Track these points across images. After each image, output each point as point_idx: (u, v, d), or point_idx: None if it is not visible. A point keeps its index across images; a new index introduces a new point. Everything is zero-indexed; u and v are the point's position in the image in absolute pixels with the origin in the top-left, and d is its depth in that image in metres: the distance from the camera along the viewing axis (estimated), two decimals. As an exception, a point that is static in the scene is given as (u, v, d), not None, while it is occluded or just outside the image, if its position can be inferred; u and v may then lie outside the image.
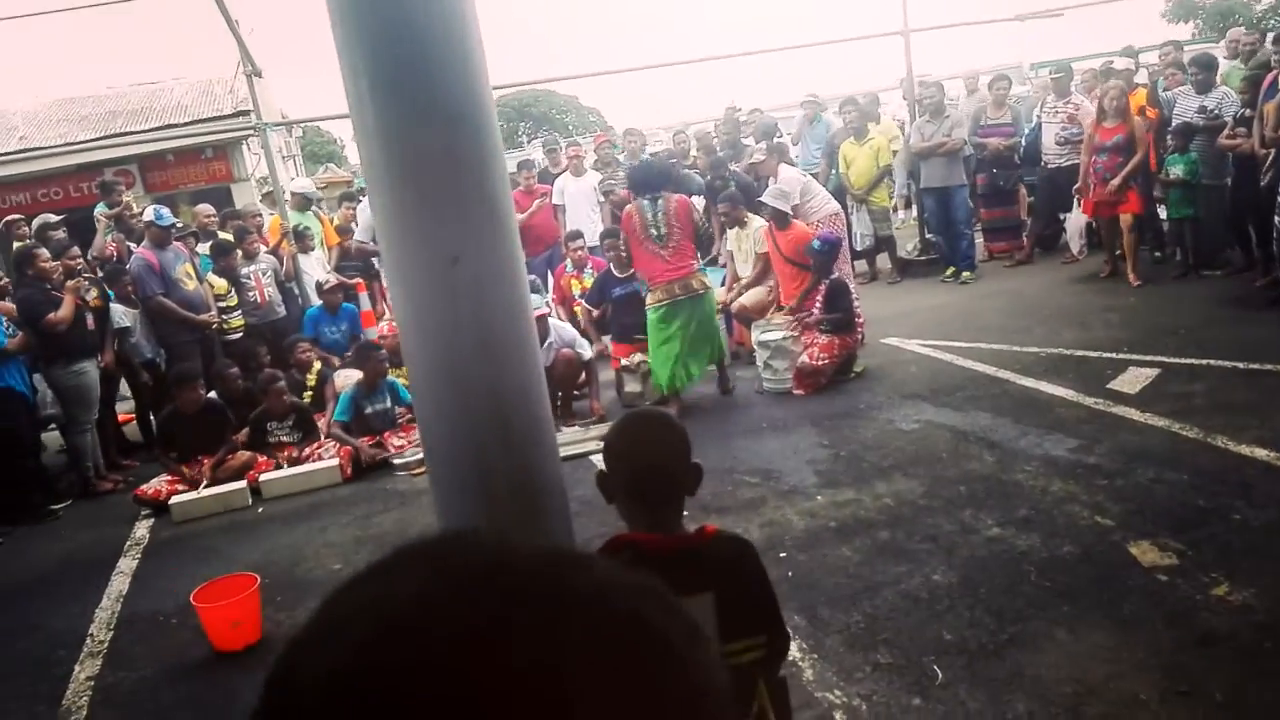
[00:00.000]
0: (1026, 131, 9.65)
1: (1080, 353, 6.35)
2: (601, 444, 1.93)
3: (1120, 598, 3.41)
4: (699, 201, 7.79)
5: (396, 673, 0.40)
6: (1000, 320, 7.54)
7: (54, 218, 7.64)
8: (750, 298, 7.44)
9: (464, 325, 1.91)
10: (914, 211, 11.72)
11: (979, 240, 9.99)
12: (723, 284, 7.98)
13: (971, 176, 9.72)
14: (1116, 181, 7.83)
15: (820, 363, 6.44)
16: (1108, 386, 5.61)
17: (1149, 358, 5.98)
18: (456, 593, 0.44)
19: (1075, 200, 8.56)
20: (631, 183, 6.95)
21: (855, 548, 4.10)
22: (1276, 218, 6.64)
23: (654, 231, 6.20)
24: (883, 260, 10.19)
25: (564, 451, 5.72)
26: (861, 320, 6.88)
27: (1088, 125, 8.36)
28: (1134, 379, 5.67)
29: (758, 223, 7.42)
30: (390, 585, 0.46)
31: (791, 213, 7.19)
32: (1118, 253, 8.31)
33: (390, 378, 6.78)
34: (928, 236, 10.05)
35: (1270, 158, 6.73)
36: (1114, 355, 6.14)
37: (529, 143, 29.50)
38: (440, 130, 1.84)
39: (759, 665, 1.80)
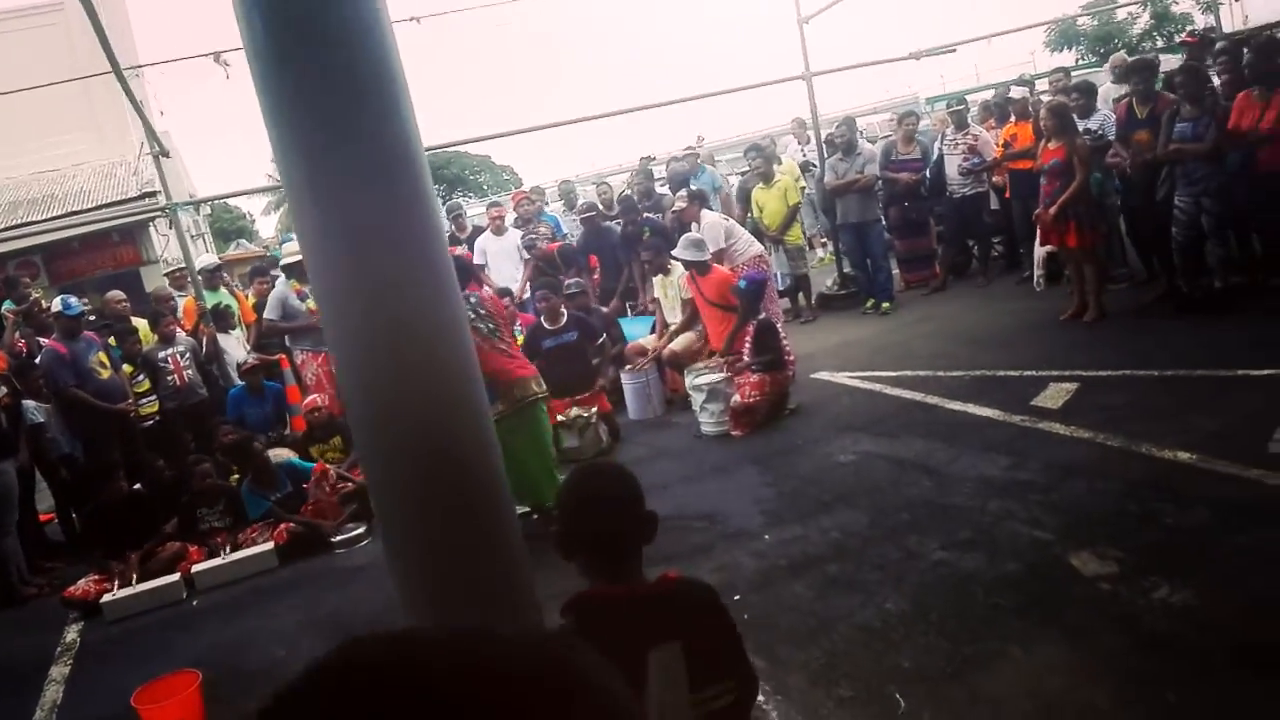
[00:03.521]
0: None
1: (1002, 373, 6.54)
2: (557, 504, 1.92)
3: (1067, 609, 3.49)
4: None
5: None
6: (923, 347, 7.73)
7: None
8: (680, 343, 7.52)
9: (411, 384, 1.89)
10: (829, 249, 12.05)
11: (895, 272, 10.26)
12: (651, 331, 8.07)
13: (884, 210, 10.02)
14: (1053, 210, 7.26)
15: (752, 400, 6.51)
16: (1031, 403, 5.77)
17: (1067, 372, 6.18)
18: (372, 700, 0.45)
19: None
20: None
21: (807, 584, 4.13)
22: (1174, 229, 6.98)
23: (484, 327, 5.11)
24: (803, 298, 10.38)
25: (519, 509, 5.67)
26: (792, 358, 6.98)
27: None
28: (1055, 394, 5.85)
29: (680, 269, 7.52)
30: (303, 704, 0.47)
31: (709, 259, 7.30)
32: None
33: (285, 458, 6.67)
34: (845, 271, 10.28)
35: (1164, 174, 7.09)
36: (1034, 373, 6.34)
37: (445, 203, 29.50)
38: (374, 188, 1.83)
39: (730, 711, 1.79)
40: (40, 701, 4.77)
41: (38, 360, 6.95)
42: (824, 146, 10.04)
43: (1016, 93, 10.09)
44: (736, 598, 4.10)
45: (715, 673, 1.76)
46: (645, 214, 9.18)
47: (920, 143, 10.09)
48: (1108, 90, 9.17)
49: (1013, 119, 9.30)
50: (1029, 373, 6.38)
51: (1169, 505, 4.10)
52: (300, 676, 0.48)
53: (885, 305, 9.40)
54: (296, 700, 0.46)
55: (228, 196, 25.26)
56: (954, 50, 11.34)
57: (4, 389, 6.58)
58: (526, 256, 9.26)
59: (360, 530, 6.05)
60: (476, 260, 9.25)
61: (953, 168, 9.52)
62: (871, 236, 9.50)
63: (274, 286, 8.35)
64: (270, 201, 47.93)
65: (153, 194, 14.96)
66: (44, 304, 7.58)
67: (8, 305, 7.85)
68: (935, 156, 9.78)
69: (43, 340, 7.27)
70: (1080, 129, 7.74)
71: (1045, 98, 9.43)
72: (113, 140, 16.70)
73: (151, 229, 15.62)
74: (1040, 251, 7.95)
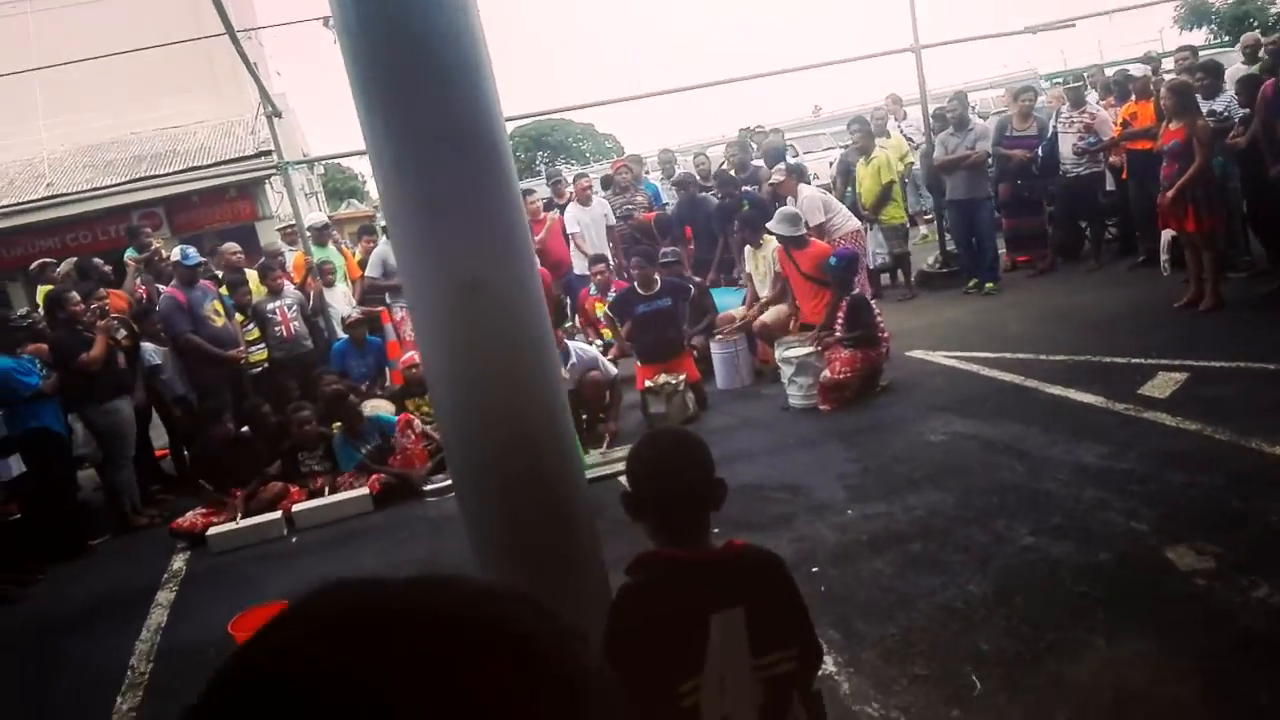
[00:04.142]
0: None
1: (1108, 359, 6.30)
2: (625, 464, 1.94)
3: (1158, 603, 3.38)
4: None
5: None
6: (1025, 330, 7.51)
7: (92, 259, 7.82)
8: (771, 315, 7.47)
9: (486, 350, 1.92)
10: (933, 226, 11.78)
11: (1001, 251, 9.94)
12: (743, 303, 8.03)
13: (994, 187, 9.72)
14: (1171, 193, 6.94)
15: (843, 376, 6.44)
16: (1137, 392, 5.56)
17: (1178, 361, 5.93)
18: (325, 643, 0.47)
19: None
20: None
21: (888, 560, 4.08)
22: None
23: None
24: (902, 276, 10.17)
25: (590, 474, 5.79)
26: (886, 334, 6.86)
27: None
28: (1164, 383, 5.63)
29: (774, 242, 7.46)
30: (261, 647, 0.49)
31: (807, 233, 7.22)
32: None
33: (376, 413, 6.88)
34: (949, 249, 10.02)
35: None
36: (1142, 361, 6.10)
37: (546, 170, 29.84)
38: (453, 158, 1.87)
39: (793, 678, 1.80)
40: (146, 623, 5.09)
41: (157, 306, 7.32)
42: (931, 121, 9.77)
43: (1136, 71, 9.62)
44: (815, 569, 4.09)
45: (778, 640, 1.77)
46: (743, 187, 9.11)
47: (1038, 119, 9.73)
48: (1235, 71, 8.68)
49: (1132, 98, 8.89)
50: (1136, 360, 6.14)
51: (1275, 503, 3.92)
52: (272, 620, 0.50)
53: (990, 285, 9.13)
54: (263, 641, 0.49)
55: (337, 157, 25.70)
56: (1072, 25, 10.90)
57: (124, 331, 6.95)
58: (612, 223, 9.31)
59: (449, 480, 6.22)
60: (571, 229, 9.32)
61: (1067, 146, 9.17)
62: (980, 214, 9.22)
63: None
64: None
65: (268, 153, 15.50)
66: (164, 253, 7.96)
67: (130, 253, 8.27)
68: (1050, 134, 9.42)
69: (161, 288, 7.65)
70: (1205, 110, 7.37)
71: (1169, 77, 8.99)
72: (232, 99, 17.30)
73: (267, 186, 16.21)
74: (1166, 235, 7.62)
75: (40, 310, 7.04)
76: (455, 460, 2.13)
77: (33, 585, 6.00)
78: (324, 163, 26.19)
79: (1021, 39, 10.72)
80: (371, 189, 36.96)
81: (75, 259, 7.99)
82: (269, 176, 16.03)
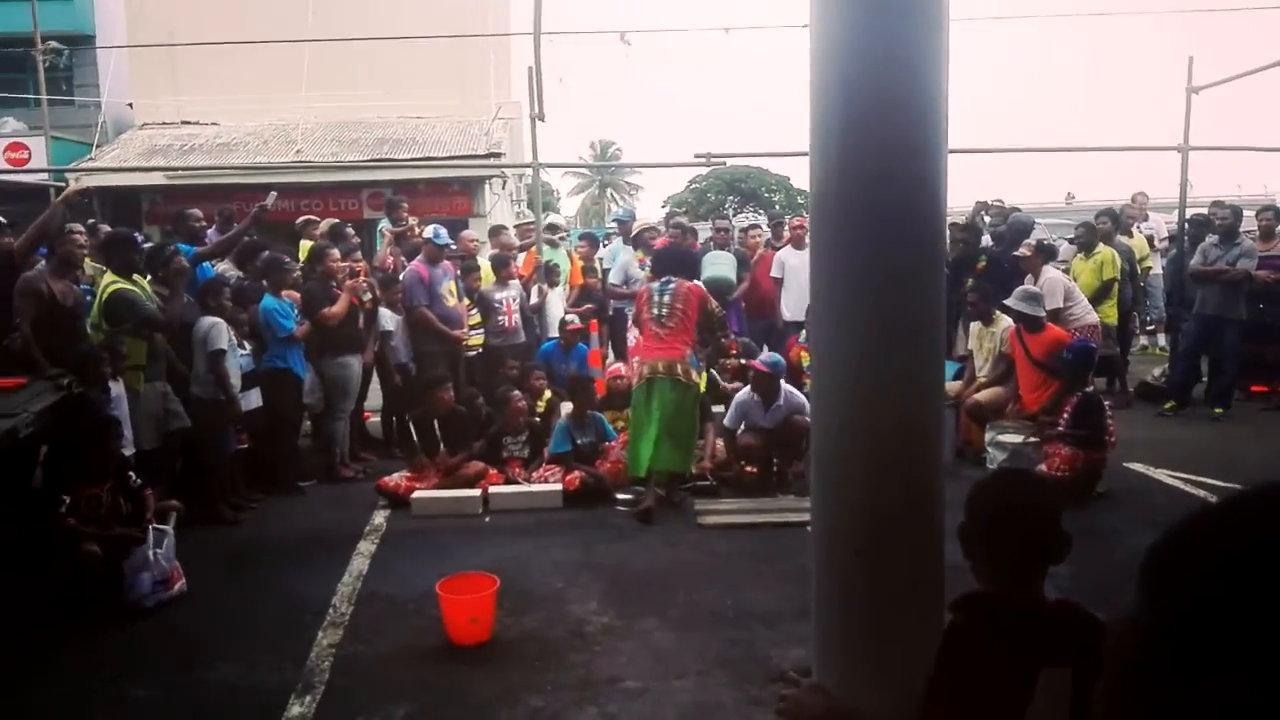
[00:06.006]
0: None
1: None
2: (968, 497, 1.92)
3: None
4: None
5: None
6: (1262, 463, 6.95)
7: (346, 225, 8.38)
8: (987, 395, 7.24)
9: (887, 352, 2.03)
10: (1156, 339, 11.18)
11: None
12: (955, 378, 7.81)
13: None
14: None
15: (1060, 473, 6.15)
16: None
17: None
18: None
19: None
20: (655, 262, 6.99)
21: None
22: None
23: (656, 311, 6.26)
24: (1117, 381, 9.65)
25: (780, 519, 5.84)
26: (1113, 439, 6.51)
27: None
28: None
29: (1005, 322, 7.24)
30: None
31: (1044, 316, 6.98)
32: None
33: (595, 413, 7.01)
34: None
35: None
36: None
37: (734, 216, 30.18)
38: (895, 185, 2.00)
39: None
40: (349, 568, 5.39)
41: (400, 277, 7.79)
42: (1186, 226, 9.28)
43: None
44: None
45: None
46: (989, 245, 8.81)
47: (1283, 241, 9.09)
48: None
49: None
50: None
51: None
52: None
53: (1218, 410, 8.55)
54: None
55: (596, 166, 26.78)
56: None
57: (370, 295, 7.42)
58: None
59: (641, 492, 6.30)
60: (775, 272, 9.21)
61: (1333, 279, 8.52)
62: (1226, 334, 8.59)
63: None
64: (578, 184, 51.01)
65: (498, 155, 16.35)
66: (416, 230, 8.43)
67: (384, 224, 8.83)
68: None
69: (405, 261, 8.14)
70: None
71: None
72: (473, 100, 18.34)
73: (486, 187, 17.06)
74: None
75: (298, 261, 7.58)
76: (826, 435, 2.25)
77: (245, 512, 6.42)
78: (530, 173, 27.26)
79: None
80: (564, 206, 38.26)
81: (334, 221, 8.57)
82: (490, 178, 16.89)
